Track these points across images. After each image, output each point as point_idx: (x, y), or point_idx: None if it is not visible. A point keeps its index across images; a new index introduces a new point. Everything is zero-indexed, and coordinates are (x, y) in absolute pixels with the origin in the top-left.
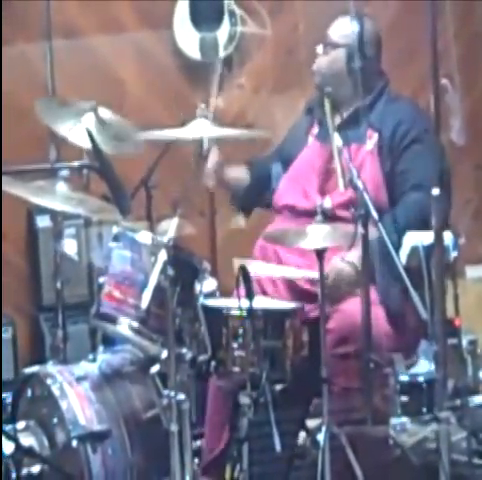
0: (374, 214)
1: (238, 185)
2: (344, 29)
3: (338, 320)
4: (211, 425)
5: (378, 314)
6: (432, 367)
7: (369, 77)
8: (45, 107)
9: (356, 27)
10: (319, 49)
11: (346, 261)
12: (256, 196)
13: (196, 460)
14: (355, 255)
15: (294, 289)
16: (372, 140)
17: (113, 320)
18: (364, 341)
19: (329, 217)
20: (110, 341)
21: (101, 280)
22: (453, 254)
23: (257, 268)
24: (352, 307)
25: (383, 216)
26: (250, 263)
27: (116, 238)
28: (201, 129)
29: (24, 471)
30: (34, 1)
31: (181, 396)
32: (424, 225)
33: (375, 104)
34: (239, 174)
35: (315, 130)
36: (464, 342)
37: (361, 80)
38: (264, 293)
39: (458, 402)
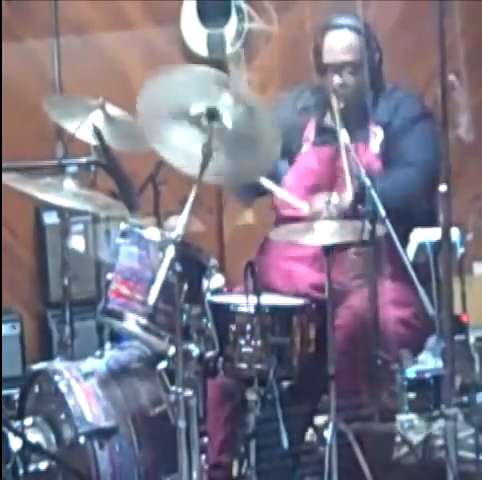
0: (382, 211)
1: None
2: (349, 45)
3: (346, 317)
4: (212, 423)
5: (388, 313)
6: (439, 364)
7: (376, 80)
8: (53, 104)
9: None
10: (337, 79)
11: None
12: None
13: (204, 456)
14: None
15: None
16: (377, 138)
17: (120, 316)
18: (371, 338)
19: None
20: (117, 337)
21: (109, 276)
22: (460, 250)
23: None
24: (360, 304)
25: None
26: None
27: (124, 234)
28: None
29: (31, 467)
30: None
31: (188, 392)
32: (407, 201)
33: (375, 101)
34: None
35: (310, 134)
36: (471, 338)
37: (370, 82)
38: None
39: (465, 399)
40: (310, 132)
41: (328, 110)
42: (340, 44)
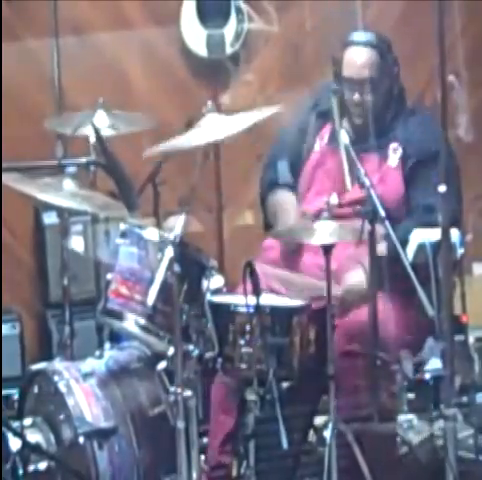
0: (381, 212)
1: None
2: (369, 61)
3: (345, 316)
4: (216, 422)
5: (386, 316)
6: (439, 364)
7: (395, 98)
8: (54, 124)
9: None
10: (357, 97)
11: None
12: None
13: (203, 457)
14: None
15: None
16: (397, 154)
17: (120, 317)
18: (371, 338)
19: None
20: (117, 338)
21: (108, 277)
22: (460, 251)
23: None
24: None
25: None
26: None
27: (123, 235)
28: (211, 131)
29: (31, 467)
30: None
31: (188, 393)
32: None
33: (396, 118)
34: None
35: (326, 135)
36: (471, 339)
37: (389, 98)
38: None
39: (465, 399)
40: (325, 133)
41: (345, 114)
42: (361, 60)
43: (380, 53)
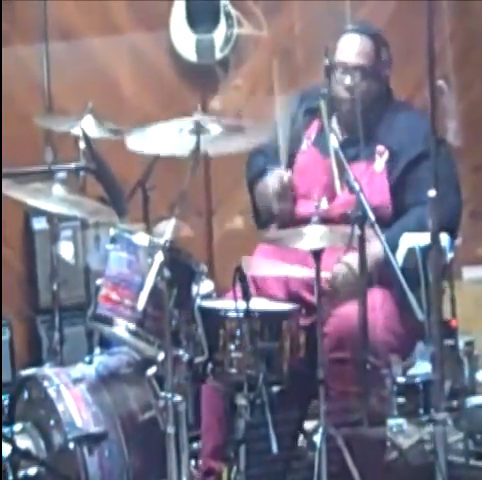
0: (371, 216)
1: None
2: (364, 49)
3: (334, 324)
4: (207, 427)
5: (376, 320)
6: (429, 368)
7: (384, 92)
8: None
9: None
10: (348, 80)
11: (343, 262)
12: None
13: (193, 462)
14: (352, 257)
15: (293, 298)
16: (383, 158)
17: (110, 322)
18: (361, 342)
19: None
20: (107, 343)
21: (98, 282)
22: (449, 255)
23: (260, 267)
24: (348, 312)
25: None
26: (253, 262)
27: (113, 240)
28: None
29: (21, 473)
30: (30, 1)
31: (178, 398)
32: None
33: (382, 116)
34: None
35: (312, 134)
36: (461, 343)
37: (378, 93)
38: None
39: (455, 403)
40: (312, 131)
41: (334, 113)
42: (356, 47)
43: (376, 44)
